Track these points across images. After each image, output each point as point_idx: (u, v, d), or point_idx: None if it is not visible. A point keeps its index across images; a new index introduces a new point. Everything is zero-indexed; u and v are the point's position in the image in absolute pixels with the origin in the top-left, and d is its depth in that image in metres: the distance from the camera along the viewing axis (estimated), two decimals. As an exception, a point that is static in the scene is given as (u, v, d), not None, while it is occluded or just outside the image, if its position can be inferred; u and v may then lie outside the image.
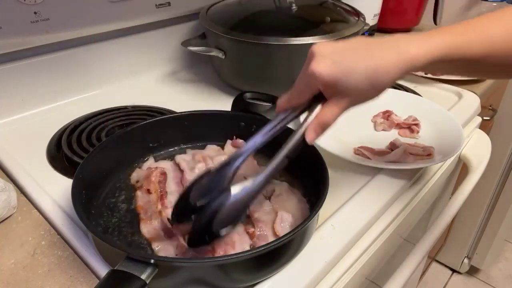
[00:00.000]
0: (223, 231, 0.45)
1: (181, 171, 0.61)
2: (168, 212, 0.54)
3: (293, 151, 0.46)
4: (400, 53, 0.42)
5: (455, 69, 0.50)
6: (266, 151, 0.65)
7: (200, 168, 0.62)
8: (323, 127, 0.45)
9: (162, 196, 0.56)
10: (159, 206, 0.54)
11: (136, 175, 0.61)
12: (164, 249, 0.48)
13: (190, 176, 0.60)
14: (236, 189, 0.46)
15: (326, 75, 0.42)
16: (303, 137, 0.46)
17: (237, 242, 0.49)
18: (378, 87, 0.43)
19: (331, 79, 0.42)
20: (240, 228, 0.52)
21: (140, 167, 0.62)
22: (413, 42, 0.43)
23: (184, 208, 0.48)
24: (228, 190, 0.46)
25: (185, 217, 0.48)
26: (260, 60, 0.80)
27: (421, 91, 0.91)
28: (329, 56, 0.43)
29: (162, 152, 0.66)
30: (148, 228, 0.51)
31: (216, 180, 0.48)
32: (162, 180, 0.59)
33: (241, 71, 0.86)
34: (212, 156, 0.65)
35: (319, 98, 0.46)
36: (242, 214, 0.47)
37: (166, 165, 0.63)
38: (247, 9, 0.90)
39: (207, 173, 0.48)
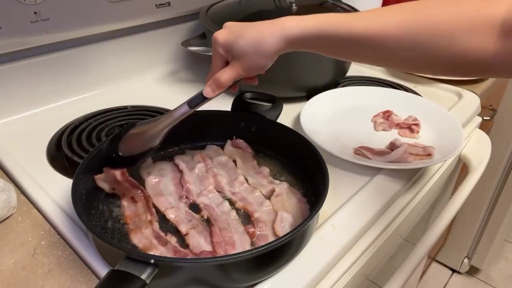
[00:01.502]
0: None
1: (180, 171, 0.61)
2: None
3: (193, 100, 0.55)
4: (279, 25, 0.49)
5: (337, 49, 0.50)
6: (266, 151, 0.66)
7: (200, 168, 0.62)
8: (217, 85, 0.53)
9: (148, 200, 0.54)
10: (149, 217, 0.52)
11: (102, 182, 0.55)
12: (161, 254, 0.47)
13: (189, 177, 0.60)
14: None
15: (222, 38, 0.52)
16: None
17: (237, 242, 0.49)
18: (261, 52, 0.50)
19: (225, 42, 0.51)
20: (240, 228, 0.52)
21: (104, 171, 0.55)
22: (295, 18, 0.49)
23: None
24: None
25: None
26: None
27: (421, 91, 0.91)
28: (229, 27, 0.53)
29: (161, 153, 0.65)
30: (139, 238, 0.50)
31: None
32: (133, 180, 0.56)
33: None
34: (212, 156, 0.65)
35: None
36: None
37: (165, 165, 0.63)
38: (247, 9, 0.90)
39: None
